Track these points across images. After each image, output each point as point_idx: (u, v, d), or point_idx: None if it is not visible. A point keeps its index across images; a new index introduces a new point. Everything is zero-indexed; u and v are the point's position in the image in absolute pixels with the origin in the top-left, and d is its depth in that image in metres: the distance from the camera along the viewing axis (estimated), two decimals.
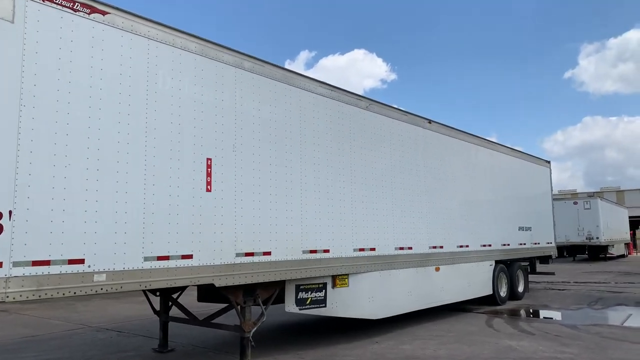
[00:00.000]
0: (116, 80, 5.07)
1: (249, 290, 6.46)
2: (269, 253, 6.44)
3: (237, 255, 6.03)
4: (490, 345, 7.53)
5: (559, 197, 33.65)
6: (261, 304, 6.56)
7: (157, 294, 7.53)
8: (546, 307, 11.92)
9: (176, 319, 7.46)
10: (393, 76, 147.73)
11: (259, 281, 6.30)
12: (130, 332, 9.09)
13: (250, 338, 6.42)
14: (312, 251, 7.10)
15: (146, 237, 5.15)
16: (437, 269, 9.70)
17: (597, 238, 29.85)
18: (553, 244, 15.19)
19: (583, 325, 9.30)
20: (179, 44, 5.71)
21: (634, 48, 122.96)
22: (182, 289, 7.03)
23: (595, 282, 17.62)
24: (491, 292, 11.56)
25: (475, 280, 11.00)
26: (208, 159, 5.82)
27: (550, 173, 15.63)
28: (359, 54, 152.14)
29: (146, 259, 5.13)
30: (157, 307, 7.68)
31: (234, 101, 6.24)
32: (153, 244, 5.20)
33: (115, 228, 4.90)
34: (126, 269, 4.96)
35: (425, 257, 9.37)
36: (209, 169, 5.81)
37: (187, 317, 7.33)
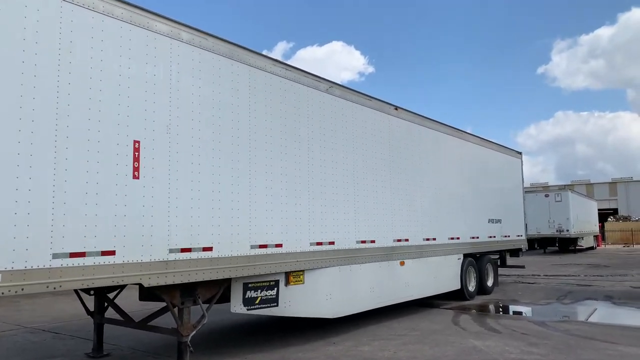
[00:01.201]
0: (18, 47, 4.29)
1: (188, 290, 5.78)
2: (210, 249, 5.76)
3: (171, 251, 5.34)
4: (455, 346, 7.04)
5: (531, 190, 33.73)
6: (201, 305, 5.87)
7: (92, 292, 6.79)
8: (515, 302, 11.57)
9: (112, 321, 6.73)
10: (371, 69, 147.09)
11: (198, 280, 5.62)
12: (68, 333, 8.31)
13: (189, 342, 5.74)
14: (262, 246, 6.45)
15: (56, 231, 4.41)
16: (402, 264, 9.18)
17: (567, 230, 30.02)
18: (523, 237, 14.88)
19: (552, 322, 8.92)
20: (101, 9, 4.94)
21: (604, 45, 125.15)
22: (115, 288, 6.30)
23: (565, 275, 17.48)
24: (459, 287, 11.14)
25: (443, 275, 10.54)
26: (136, 142, 5.09)
27: (522, 164, 15.30)
28: (337, 45, 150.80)
29: (56, 255, 4.40)
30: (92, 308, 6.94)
31: (169, 77, 5.51)
32: (65, 238, 4.47)
33: (14, 220, 4.15)
34: (29, 267, 4.22)
35: (389, 250, 8.83)
36: (137, 153, 5.08)
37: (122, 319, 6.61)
